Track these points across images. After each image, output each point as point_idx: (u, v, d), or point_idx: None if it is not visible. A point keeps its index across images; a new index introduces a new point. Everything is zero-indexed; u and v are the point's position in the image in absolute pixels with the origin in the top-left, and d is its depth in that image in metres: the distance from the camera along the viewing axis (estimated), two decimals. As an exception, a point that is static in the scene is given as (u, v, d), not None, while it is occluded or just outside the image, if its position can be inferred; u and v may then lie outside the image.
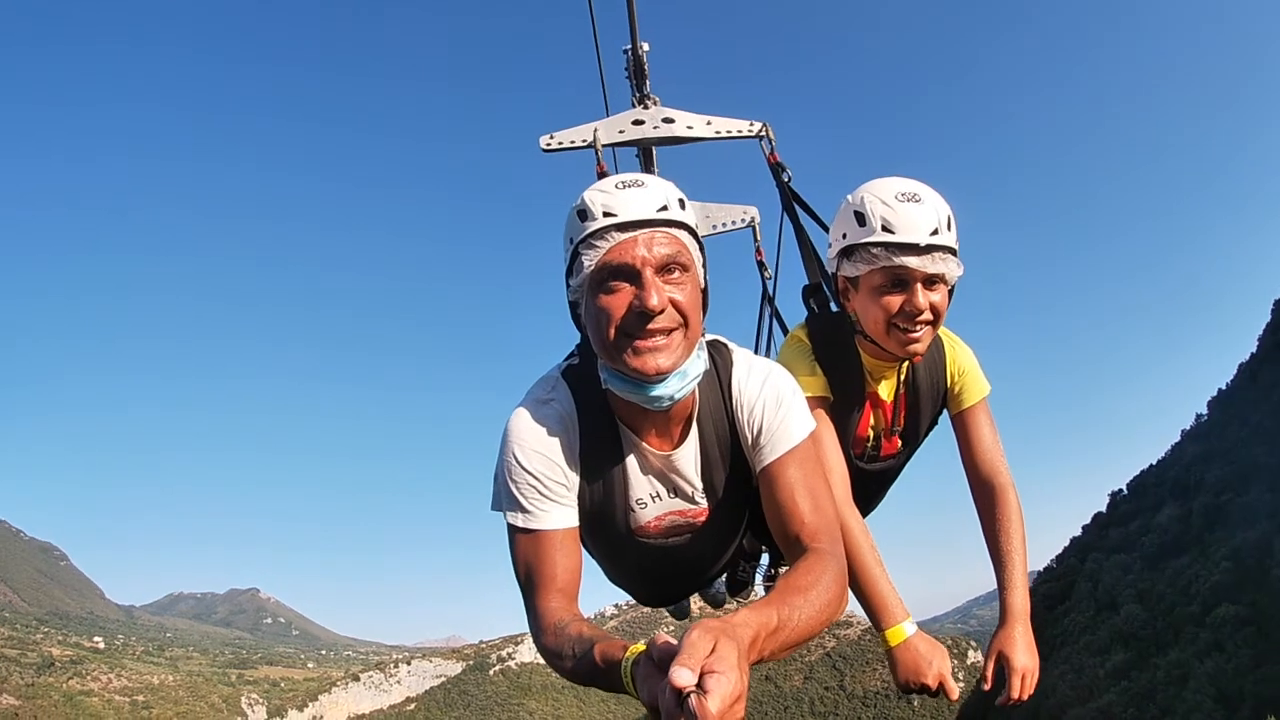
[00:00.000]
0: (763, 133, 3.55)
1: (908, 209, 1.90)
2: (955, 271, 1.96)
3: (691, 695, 0.94)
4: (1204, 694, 42.17)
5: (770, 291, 4.29)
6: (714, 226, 4.76)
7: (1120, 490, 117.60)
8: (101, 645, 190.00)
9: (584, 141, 3.68)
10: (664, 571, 2.05)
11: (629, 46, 3.85)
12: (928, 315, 1.96)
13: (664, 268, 1.48)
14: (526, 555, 1.59)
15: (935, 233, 1.90)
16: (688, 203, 1.56)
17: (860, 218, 1.97)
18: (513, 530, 1.61)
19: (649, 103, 3.88)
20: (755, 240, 4.68)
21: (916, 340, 1.98)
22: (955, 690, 1.87)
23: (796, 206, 2.96)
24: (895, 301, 1.95)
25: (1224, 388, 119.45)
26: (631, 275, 1.47)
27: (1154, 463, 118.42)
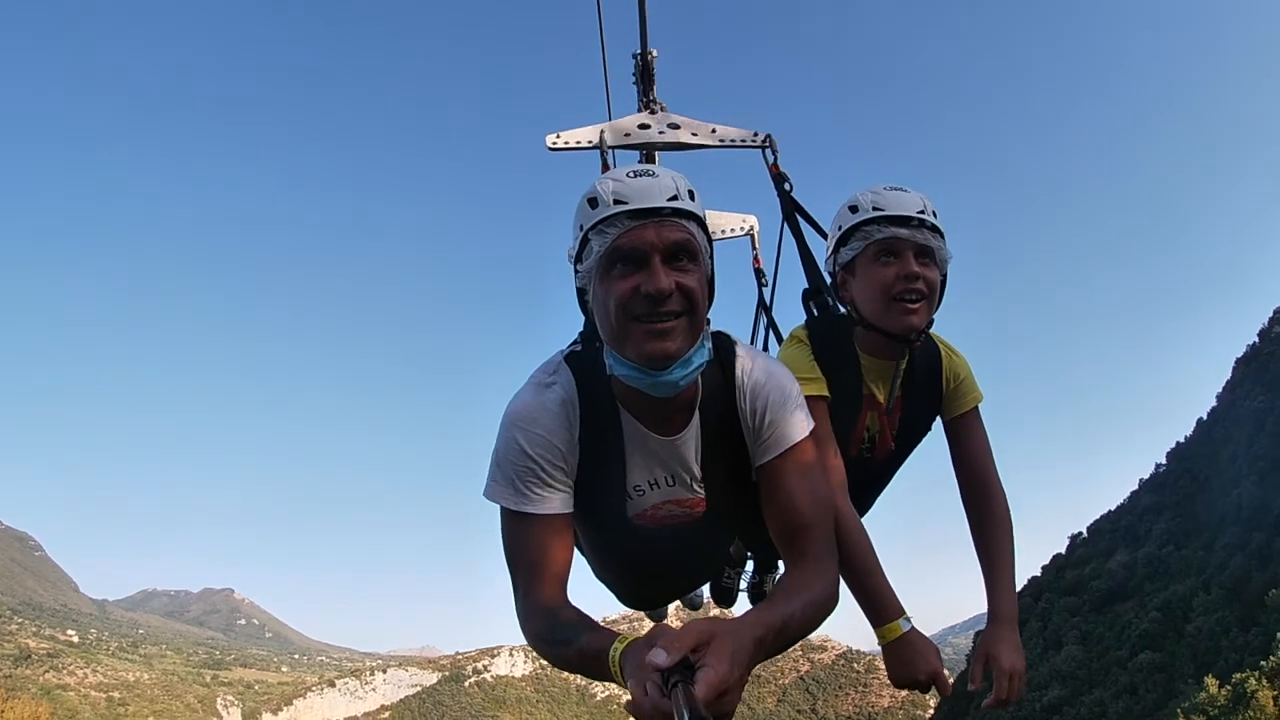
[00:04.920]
0: (766, 143, 3.60)
1: (896, 194, 2.07)
2: (944, 252, 2.08)
3: (678, 684, 0.95)
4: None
5: (767, 299, 4.33)
6: (713, 233, 5.10)
7: (1080, 533, 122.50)
8: (75, 639, 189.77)
9: (590, 142, 3.69)
10: (654, 566, 2.02)
11: (639, 51, 3.87)
12: (921, 286, 2.02)
13: (672, 255, 1.48)
14: (518, 539, 1.59)
15: (923, 211, 2.03)
16: (697, 194, 1.56)
17: (853, 208, 2.12)
18: (506, 513, 1.61)
19: (655, 108, 3.88)
20: (754, 248, 4.72)
21: (913, 312, 2.03)
22: (948, 686, 1.88)
23: (798, 216, 3.03)
24: (890, 272, 2.03)
25: (1181, 441, 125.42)
26: (640, 260, 1.47)
27: (1113, 509, 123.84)
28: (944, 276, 2.14)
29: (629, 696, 1.14)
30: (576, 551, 1.96)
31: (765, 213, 4.83)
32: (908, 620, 1.91)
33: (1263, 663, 42.89)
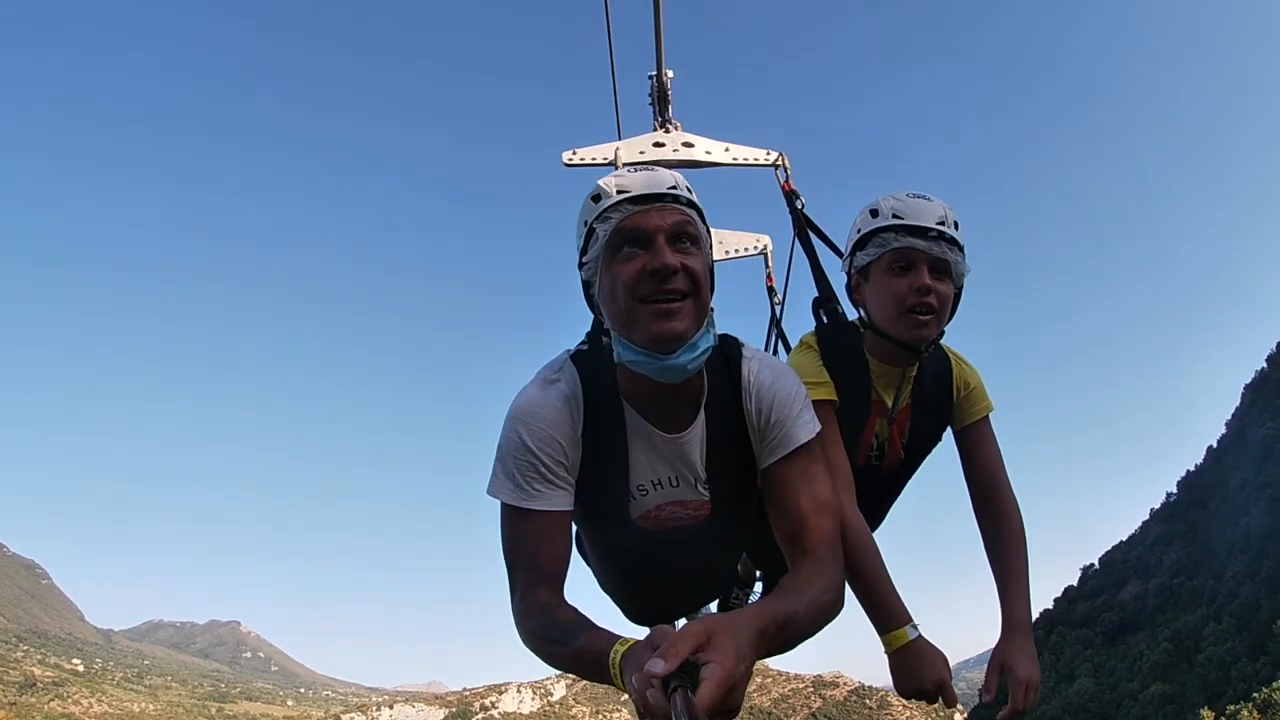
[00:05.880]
0: (778, 162, 3.63)
1: (917, 202, 2.04)
2: (961, 265, 2.04)
3: (678, 690, 0.94)
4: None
5: (778, 316, 4.31)
6: (727, 252, 4.79)
7: (1092, 564, 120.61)
8: (80, 668, 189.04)
9: (605, 159, 3.75)
10: (659, 574, 1.94)
11: (654, 73, 3.92)
12: (933, 300, 2.00)
13: (675, 236, 1.51)
14: (519, 536, 1.57)
15: (942, 223, 2.00)
16: (695, 193, 1.61)
17: (874, 212, 2.09)
18: (506, 509, 1.59)
19: (670, 127, 3.96)
20: (767, 267, 4.77)
21: (924, 325, 2.01)
22: (955, 696, 1.83)
23: (809, 231, 3.03)
24: (904, 283, 2.01)
25: (1191, 469, 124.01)
26: (645, 241, 1.49)
27: (1124, 539, 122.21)
28: (959, 290, 2.11)
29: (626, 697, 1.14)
30: (584, 564, 2.04)
31: (779, 233, 4.93)
32: (915, 628, 1.86)
33: (1255, 695, 43.12)
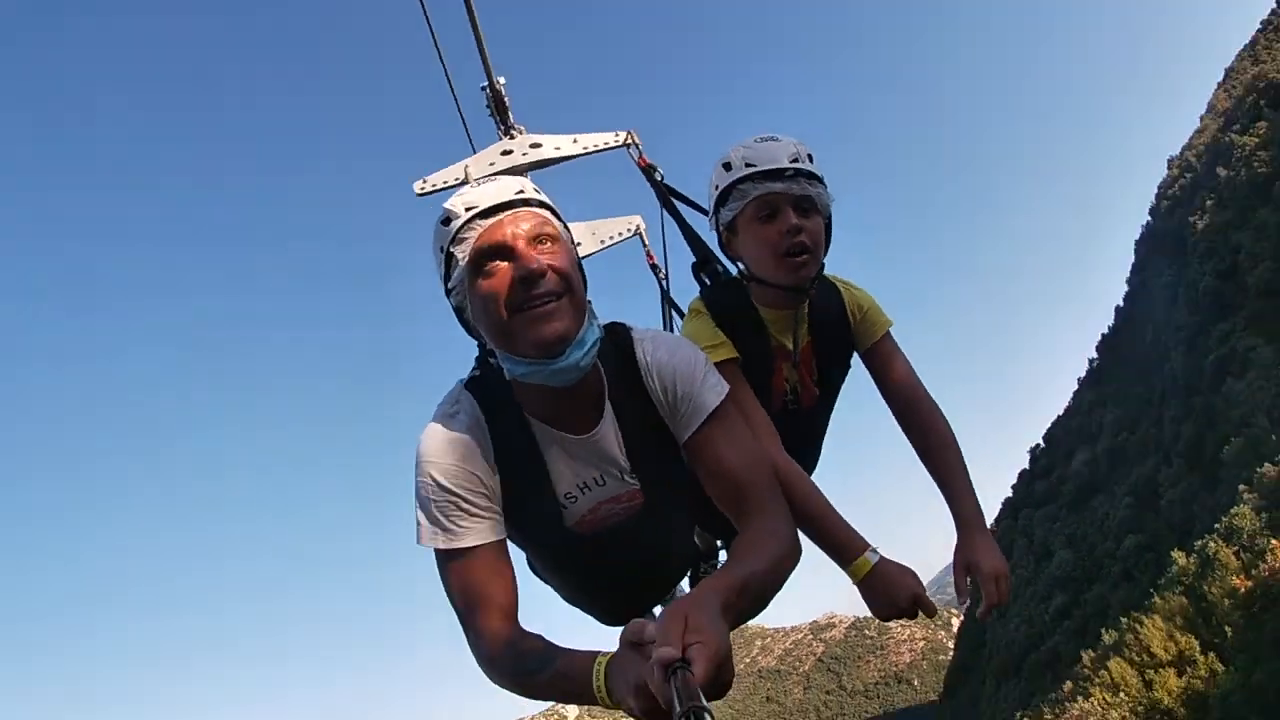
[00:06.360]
0: (628, 140, 3.69)
1: (766, 145, 2.05)
2: (824, 197, 2.07)
3: (677, 671, 0.94)
4: (1119, 623, 46.92)
5: (666, 289, 4.40)
6: (601, 241, 4.83)
7: (1038, 444, 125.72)
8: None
9: (457, 179, 3.78)
10: (615, 573, 1.92)
11: (485, 83, 3.95)
12: (805, 239, 2.01)
13: (535, 239, 1.51)
14: (459, 578, 1.52)
15: (795, 160, 2.02)
16: (544, 192, 1.63)
17: (727, 166, 2.10)
18: (440, 555, 1.55)
19: (515, 132, 3.97)
20: (644, 246, 4.90)
21: (803, 265, 2.03)
22: (934, 606, 1.86)
23: (674, 200, 3.07)
24: (772, 229, 2.02)
25: (1105, 332, 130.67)
26: (506, 252, 1.49)
27: (1061, 413, 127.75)
28: (829, 220, 2.13)
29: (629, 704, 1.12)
30: (543, 586, 2.07)
31: (650, 210, 4.91)
32: (875, 552, 1.87)
33: (1216, 525, 44.70)
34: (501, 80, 3.95)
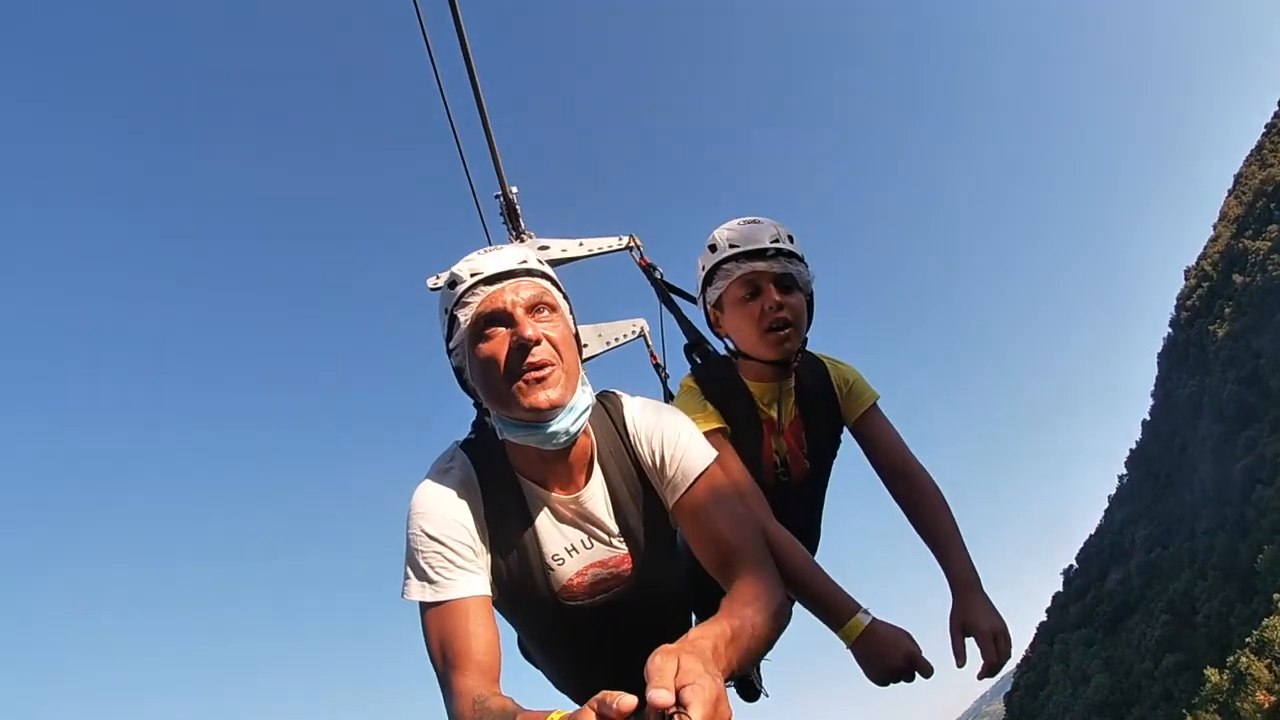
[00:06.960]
0: (630, 243, 3.94)
1: (749, 227, 2.18)
2: (805, 275, 2.17)
3: (673, 715, 0.92)
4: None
5: (666, 387, 4.51)
6: (608, 343, 5.02)
7: (1071, 565, 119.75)
8: None
9: None
10: (605, 644, 1.86)
11: (499, 192, 4.25)
12: (786, 314, 2.11)
13: (533, 308, 1.59)
14: (439, 631, 1.50)
15: (776, 240, 2.13)
16: (547, 265, 1.71)
17: (712, 247, 2.22)
18: (423, 607, 1.54)
19: (525, 237, 4.25)
20: (648, 347, 5.03)
21: (785, 339, 2.12)
22: (929, 666, 1.82)
23: (672, 295, 3.23)
24: (755, 306, 2.12)
25: (1134, 447, 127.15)
26: (505, 319, 1.56)
27: (1093, 532, 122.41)
28: (810, 297, 2.22)
29: None
30: (532, 669, 2.09)
31: (652, 308, 4.82)
32: (866, 613, 1.86)
33: (1247, 640, 43.56)
34: (514, 189, 4.30)
